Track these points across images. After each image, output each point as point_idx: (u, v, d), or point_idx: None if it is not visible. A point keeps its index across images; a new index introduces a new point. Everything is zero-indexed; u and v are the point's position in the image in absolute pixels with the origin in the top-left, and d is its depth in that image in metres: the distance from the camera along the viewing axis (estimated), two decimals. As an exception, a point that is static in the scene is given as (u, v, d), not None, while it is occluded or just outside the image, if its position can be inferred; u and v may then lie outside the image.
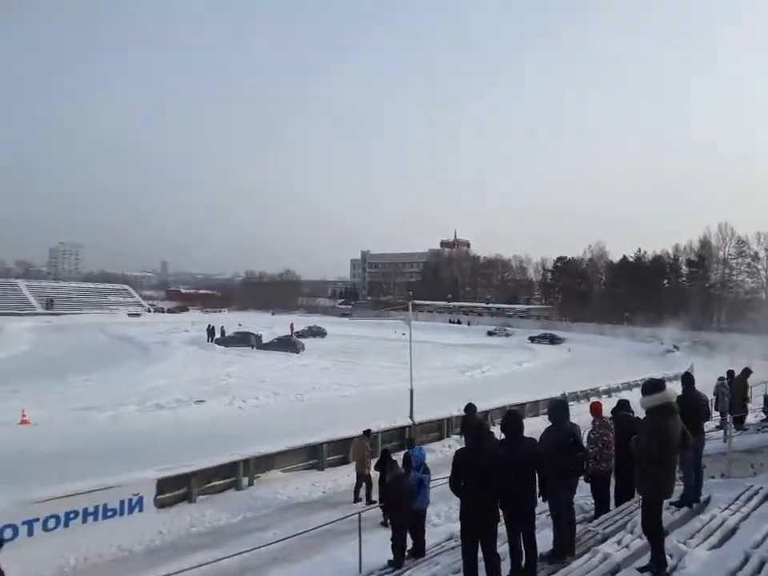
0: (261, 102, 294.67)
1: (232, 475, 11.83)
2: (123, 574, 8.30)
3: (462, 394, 17.00)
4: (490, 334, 60.32)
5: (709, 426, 9.85)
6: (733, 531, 5.40)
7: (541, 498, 5.32)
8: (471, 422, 9.25)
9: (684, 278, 71.64)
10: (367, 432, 12.23)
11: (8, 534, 8.26)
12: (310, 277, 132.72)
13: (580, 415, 8.01)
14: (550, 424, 5.52)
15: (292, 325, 52.05)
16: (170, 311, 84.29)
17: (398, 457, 9.61)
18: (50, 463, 11.84)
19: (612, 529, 5.85)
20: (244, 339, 40.89)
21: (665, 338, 49.47)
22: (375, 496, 10.65)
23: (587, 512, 7.03)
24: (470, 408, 11.35)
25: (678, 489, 5.92)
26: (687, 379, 6.67)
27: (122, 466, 10.72)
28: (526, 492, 4.86)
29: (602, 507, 6.77)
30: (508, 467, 4.64)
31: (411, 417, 15.53)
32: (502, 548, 5.01)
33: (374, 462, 10.87)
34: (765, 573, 4.20)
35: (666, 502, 5.00)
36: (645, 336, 53.58)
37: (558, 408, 5.67)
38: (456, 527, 5.70)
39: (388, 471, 8.87)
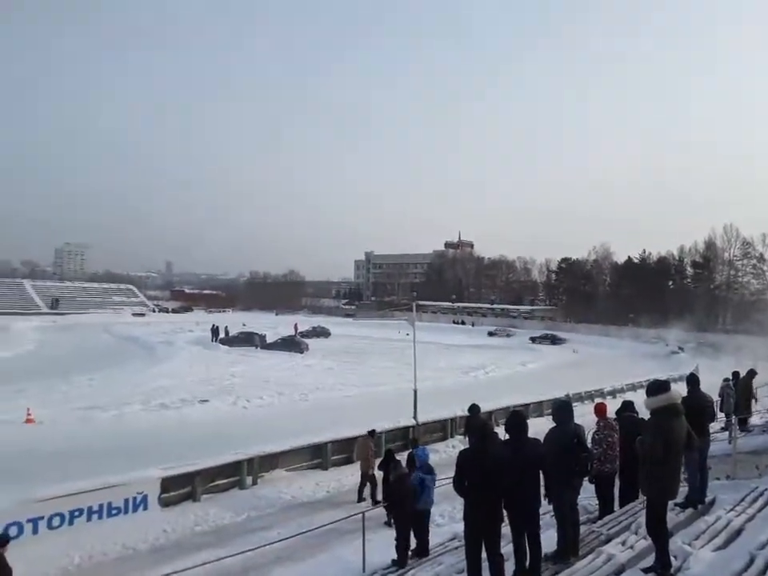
0: (261, 102, 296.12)
1: (236, 474, 11.86)
2: (128, 573, 8.32)
3: (465, 395, 17.01)
4: (490, 334, 60.29)
5: (714, 427, 9.80)
6: (738, 532, 5.38)
7: (546, 501, 5.33)
8: (475, 423, 9.27)
9: (689, 280, 71.48)
10: (372, 432, 12.23)
11: (13, 531, 8.28)
12: (314, 277, 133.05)
13: (584, 416, 7.96)
14: (554, 425, 5.51)
15: (296, 325, 52.14)
16: (174, 311, 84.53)
17: (402, 457, 9.61)
18: (54, 462, 11.90)
19: (616, 530, 5.84)
20: (248, 339, 40.98)
21: (670, 340, 49.35)
22: (380, 496, 10.66)
23: (591, 513, 7.02)
24: (473, 408, 11.36)
25: (683, 490, 5.90)
26: (692, 380, 6.65)
27: (126, 465, 10.75)
28: (530, 492, 4.86)
29: (606, 508, 6.76)
30: (512, 468, 4.64)
31: (415, 417, 15.53)
32: (506, 548, 5.01)
33: (377, 461, 10.88)
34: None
35: (670, 503, 4.98)
36: (650, 337, 53.48)
37: (562, 409, 5.65)
38: (460, 527, 5.69)
39: (391, 471, 8.88)
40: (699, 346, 46.95)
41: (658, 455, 4.33)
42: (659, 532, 4.51)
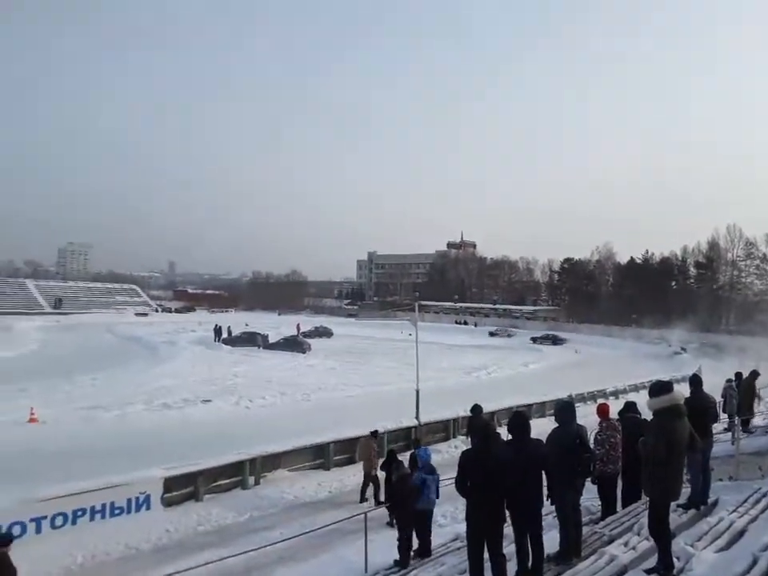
0: (261, 102, 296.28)
1: (238, 474, 11.87)
2: (130, 572, 8.34)
3: (468, 395, 17.00)
4: (491, 334, 60.25)
5: (717, 428, 9.79)
6: (741, 534, 5.37)
7: (549, 501, 5.32)
8: (478, 423, 9.22)
9: (692, 280, 71.28)
10: (374, 433, 12.21)
11: (16, 531, 8.29)
12: (317, 277, 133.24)
13: (587, 417, 7.96)
14: (557, 425, 5.51)
15: (298, 325, 52.14)
16: (177, 311, 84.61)
17: (405, 457, 9.61)
18: (57, 461, 11.93)
19: (619, 530, 5.84)
20: (251, 339, 41.02)
21: (672, 340, 49.23)
22: (383, 496, 10.66)
23: (594, 513, 7.00)
24: (476, 409, 11.34)
25: (686, 491, 5.90)
26: (695, 381, 6.64)
27: (129, 465, 10.79)
28: (533, 493, 4.86)
29: (608, 509, 6.75)
30: (514, 468, 4.65)
31: (417, 417, 15.52)
32: (508, 549, 5.01)
33: (380, 462, 10.87)
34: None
35: (673, 504, 4.98)
36: (652, 338, 53.35)
37: (564, 409, 5.65)
38: (462, 528, 5.69)
39: (394, 471, 8.88)
40: (702, 346, 46.84)
41: (660, 456, 4.32)
42: (662, 533, 4.50)
